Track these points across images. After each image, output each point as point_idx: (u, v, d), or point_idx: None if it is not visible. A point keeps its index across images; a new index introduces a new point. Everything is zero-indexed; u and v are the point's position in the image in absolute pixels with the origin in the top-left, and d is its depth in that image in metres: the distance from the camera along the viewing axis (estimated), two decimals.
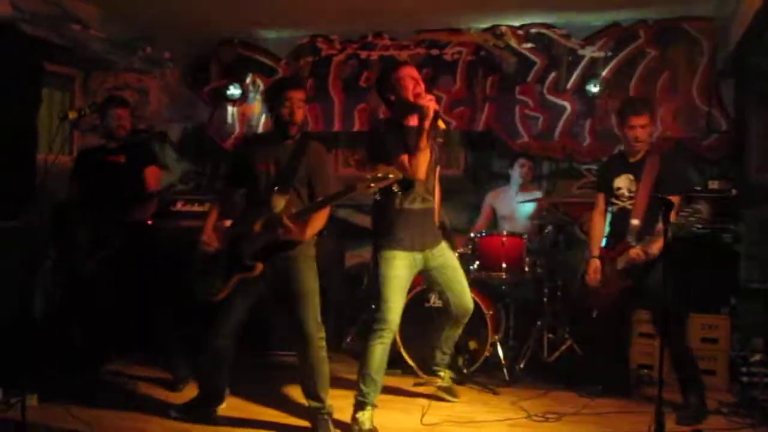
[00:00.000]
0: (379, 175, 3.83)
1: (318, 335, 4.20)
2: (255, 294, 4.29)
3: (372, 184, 3.84)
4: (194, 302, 4.31)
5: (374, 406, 4.37)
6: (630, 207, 4.64)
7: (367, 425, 4.27)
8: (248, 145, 4.51)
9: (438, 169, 4.51)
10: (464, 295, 4.72)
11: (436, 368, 5.10)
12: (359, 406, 4.33)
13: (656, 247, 4.38)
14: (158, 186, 5.37)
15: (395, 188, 4.10)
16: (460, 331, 4.94)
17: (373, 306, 4.39)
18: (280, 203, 4.09)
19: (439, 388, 5.10)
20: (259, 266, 4.10)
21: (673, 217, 4.06)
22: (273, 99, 4.23)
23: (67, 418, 4.43)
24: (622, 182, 4.59)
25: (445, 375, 5.13)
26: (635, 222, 4.40)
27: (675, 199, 4.11)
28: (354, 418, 4.31)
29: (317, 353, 4.20)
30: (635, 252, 4.44)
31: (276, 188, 4.12)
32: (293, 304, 4.18)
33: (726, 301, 5.84)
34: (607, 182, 4.72)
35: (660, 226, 4.08)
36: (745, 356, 5.54)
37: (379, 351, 4.31)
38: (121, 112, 5.32)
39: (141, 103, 7.66)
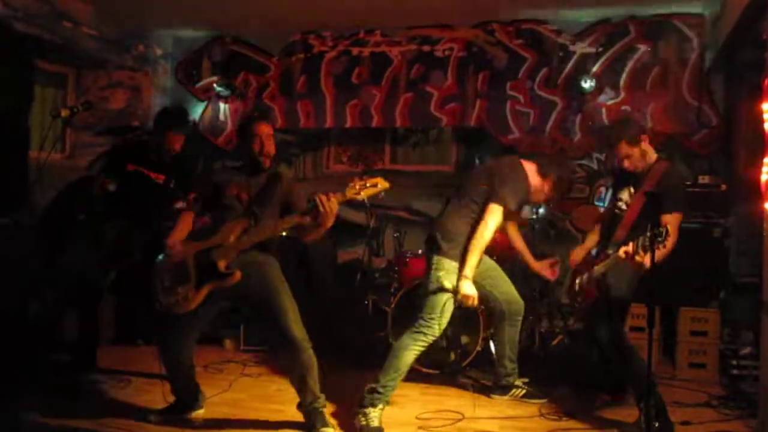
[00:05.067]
0: (368, 183, 3.96)
1: (304, 338, 4.19)
2: (218, 305, 4.31)
3: (361, 192, 3.96)
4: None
5: (387, 403, 4.39)
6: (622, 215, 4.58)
7: (375, 422, 4.27)
8: (222, 173, 4.50)
9: None
10: (512, 290, 4.88)
11: (510, 380, 5.06)
12: (373, 400, 4.32)
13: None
14: None
15: (382, 195, 4.17)
16: (518, 330, 5.00)
17: (424, 313, 4.39)
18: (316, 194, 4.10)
19: (523, 398, 5.02)
20: (237, 274, 4.08)
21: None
22: (243, 136, 4.33)
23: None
24: (624, 194, 4.55)
25: (520, 382, 5.09)
26: (620, 233, 4.38)
27: (667, 218, 4.11)
28: (363, 412, 4.30)
29: (306, 355, 4.20)
30: (625, 249, 4.34)
31: (255, 207, 4.18)
32: (271, 311, 4.17)
33: (716, 295, 5.88)
34: (615, 194, 4.69)
35: (642, 242, 4.07)
36: (734, 349, 5.59)
37: (415, 354, 4.40)
38: (177, 137, 5.31)
39: (133, 100, 7.67)
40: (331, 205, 3.93)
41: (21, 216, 5.34)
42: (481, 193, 4.51)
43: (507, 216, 4.56)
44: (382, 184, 3.99)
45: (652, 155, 4.47)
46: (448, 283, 4.39)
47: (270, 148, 4.28)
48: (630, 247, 4.02)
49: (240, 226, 4.15)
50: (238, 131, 4.44)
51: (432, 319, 4.37)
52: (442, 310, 4.38)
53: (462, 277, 4.36)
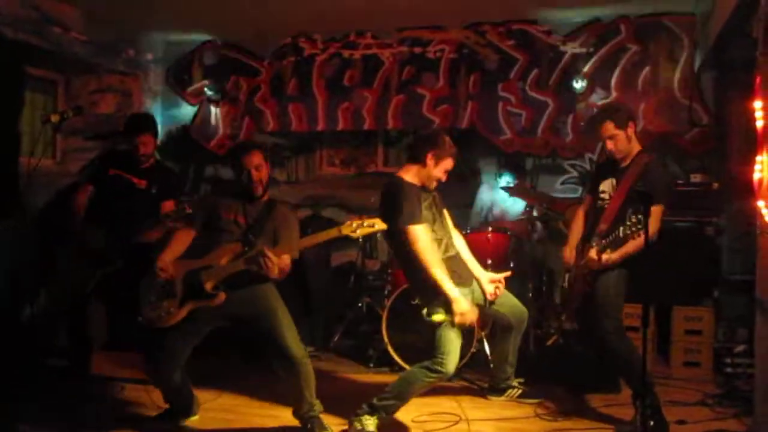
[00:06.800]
0: (365, 223, 3.98)
1: (303, 355, 4.21)
2: (212, 325, 4.28)
3: (357, 231, 3.99)
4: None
5: (384, 419, 4.36)
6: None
7: (370, 428, 4.25)
8: (218, 196, 4.49)
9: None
10: (515, 303, 4.81)
11: (508, 382, 5.06)
12: (372, 410, 4.30)
13: (618, 254, 4.27)
14: None
15: (379, 236, 4.12)
16: (520, 337, 4.98)
17: (437, 351, 4.25)
18: (261, 245, 4.12)
19: (519, 398, 5.03)
20: (222, 296, 4.10)
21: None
22: (233, 166, 4.34)
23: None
24: (606, 186, 4.56)
25: (516, 382, 5.08)
26: (602, 226, 4.39)
27: (656, 209, 4.11)
28: (359, 418, 4.28)
29: (305, 370, 4.22)
30: (589, 256, 4.34)
31: (252, 235, 4.19)
32: (269, 329, 4.19)
33: (709, 293, 5.89)
34: (596, 185, 4.69)
35: (622, 232, 4.09)
36: (728, 347, 5.60)
37: (422, 388, 4.33)
38: (144, 139, 5.29)
39: (124, 105, 7.64)
40: (272, 265, 3.97)
41: (12, 221, 5.34)
42: (392, 228, 4.33)
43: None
44: (380, 225, 4.01)
45: (636, 146, 4.50)
46: (439, 316, 4.27)
47: (261, 176, 4.27)
48: (593, 253, 4.09)
49: (233, 250, 4.16)
50: (229, 162, 4.43)
51: (446, 354, 4.24)
52: (445, 341, 4.26)
53: (451, 301, 4.20)
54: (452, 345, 4.26)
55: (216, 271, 4.12)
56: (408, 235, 4.22)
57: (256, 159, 4.25)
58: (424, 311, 4.33)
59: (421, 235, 4.22)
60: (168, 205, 5.26)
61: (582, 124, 7.13)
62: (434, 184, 4.48)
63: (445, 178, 4.48)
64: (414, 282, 4.51)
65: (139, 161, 5.31)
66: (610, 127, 4.44)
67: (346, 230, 4.00)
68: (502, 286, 4.60)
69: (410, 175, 4.46)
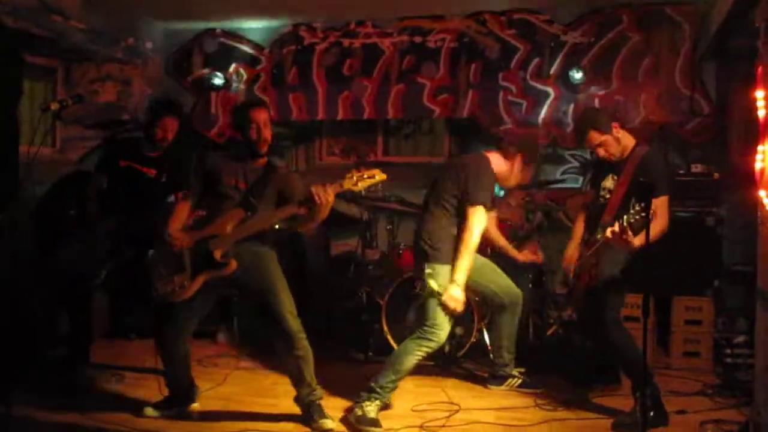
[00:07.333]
0: (365, 175, 4.01)
1: (300, 330, 4.22)
2: (215, 295, 4.34)
3: (359, 183, 4.00)
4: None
5: (385, 403, 4.41)
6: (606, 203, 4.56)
7: (371, 414, 4.28)
8: (217, 159, 4.45)
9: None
10: (508, 282, 4.90)
11: (506, 370, 5.08)
12: (371, 395, 4.34)
13: (639, 239, 4.22)
14: None
15: (380, 186, 4.15)
16: (517, 320, 5.03)
17: (427, 320, 4.37)
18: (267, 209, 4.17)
19: (519, 388, 5.05)
20: (233, 264, 4.10)
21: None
22: (239, 122, 4.31)
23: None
24: (608, 183, 4.53)
25: (517, 372, 5.11)
26: (606, 218, 4.37)
27: (655, 202, 4.06)
28: (360, 405, 4.32)
29: (302, 345, 4.22)
30: (612, 229, 4.24)
31: (252, 198, 4.18)
32: (267, 301, 4.20)
33: (709, 284, 5.88)
34: (597, 183, 4.67)
35: (625, 220, 4.05)
36: (728, 338, 5.60)
37: (417, 360, 4.39)
38: (170, 122, 5.22)
39: (124, 94, 7.62)
40: (327, 197, 3.97)
41: (12, 210, 5.31)
42: (453, 194, 4.50)
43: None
44: (380, 175, 4.04)
45: (629, 141, 4.46)
46: (434, 284, 4.36)
47: (267, 134, 4.26)
48: (616, 227, 4.03)
49: (237, 216, 4.14)
50: (232, 118, 4.42)
51: (436, 325, 4.34)
52: (439, 312, 4.35)
53: (452, 281, 4.34)
54: (442, 318, 4.35)
55: (223, 239, 4.11)
56: (475, 212, 4.36)
57: (264, 115, 4.27)
58: (426, 273, 4.41)
59: (482, 219, 4.38)
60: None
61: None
62: (512, 183, 4.70)
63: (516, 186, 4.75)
64: (433, 239, 4.52)
65: (155, 145, 5.26)
66: (595, 136, 4.39)
67: (347, 184, 4.01)
68: (538, 249, 4.97)
69: (495, 163, 4.56)
